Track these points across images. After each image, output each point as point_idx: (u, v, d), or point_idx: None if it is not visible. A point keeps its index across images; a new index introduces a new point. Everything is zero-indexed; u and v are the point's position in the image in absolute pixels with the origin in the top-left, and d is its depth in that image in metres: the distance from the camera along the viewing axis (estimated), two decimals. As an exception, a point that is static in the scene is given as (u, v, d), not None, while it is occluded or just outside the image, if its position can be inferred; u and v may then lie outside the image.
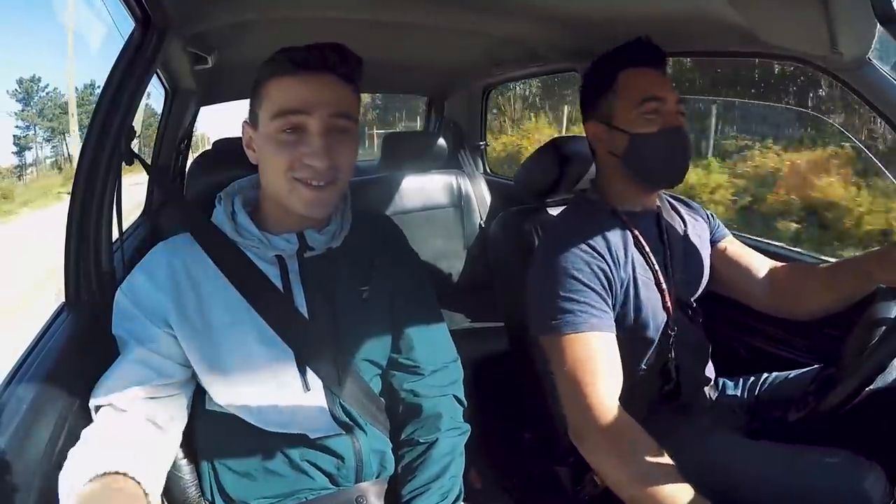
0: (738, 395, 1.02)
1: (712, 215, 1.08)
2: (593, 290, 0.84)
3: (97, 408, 0.66)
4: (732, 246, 1.05)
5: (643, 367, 0.93)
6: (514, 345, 1.16)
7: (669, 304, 0.91)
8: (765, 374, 1.03)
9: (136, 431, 0.65)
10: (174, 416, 0.70)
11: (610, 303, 0.86)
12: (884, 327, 0.75)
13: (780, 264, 1.02)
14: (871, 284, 0.87)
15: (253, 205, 0.77)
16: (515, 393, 1.01)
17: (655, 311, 0.91)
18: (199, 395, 0.74)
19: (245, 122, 0.74)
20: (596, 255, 0.86)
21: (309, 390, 0.72)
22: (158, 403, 0.69)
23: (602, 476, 0.79)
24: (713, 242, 1.05)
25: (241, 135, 0.75)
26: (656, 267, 0.91)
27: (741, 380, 1.04)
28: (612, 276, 0.87)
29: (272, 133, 0.68)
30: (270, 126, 0.68)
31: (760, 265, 1.02)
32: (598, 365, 0.80)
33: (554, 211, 1.17)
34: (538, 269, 0.90)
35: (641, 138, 0.89)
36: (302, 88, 0.67)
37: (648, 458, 0.73)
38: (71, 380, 0.69)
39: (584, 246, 0.86)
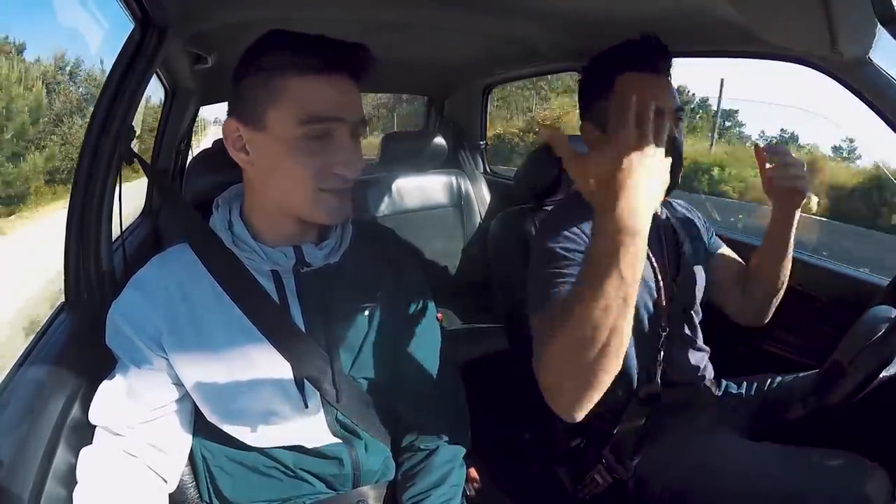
0: (742, 395, 1.01)
1: (707, 223, 1.08)
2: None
3: (95, 426, 0.66)
4: (724, 253, 1.06)
5: (632, 363, 0.92)
6: (513, 344, 1.16)
7: (664, 300, 0.91)
8: (769, 378, 1.02)
9: (135, 471, 0.66)
10: (175, 432, 0.70)
11: None
12: (882, 328, 0.74)
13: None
14: (783, 230, 0.89)
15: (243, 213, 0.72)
16: (515, 393, 1.01)
17: (648, 305, 0.91)
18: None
19: (232, 120, 0.65)
20: (587, 238, 0.85)
21: (307, 407, 0.70)
22: (156, 425, 0.68)
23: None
24: (709, 251, 1.05)
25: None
26: (654, 264, 0.91)
27: (745, 382, 1.03)
28: None
29: (297, 139, 0.62)
30: (295, 131, 0.62)
31: (743, 274, 1.02)
32: None
33: (553, 211, 1.17)
34: (534, 257, 0.90)
35: None
36: (331, 91, 0.63)
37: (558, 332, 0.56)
38: (70, 379, 0.69)
39: (575, 230, 0.86)
